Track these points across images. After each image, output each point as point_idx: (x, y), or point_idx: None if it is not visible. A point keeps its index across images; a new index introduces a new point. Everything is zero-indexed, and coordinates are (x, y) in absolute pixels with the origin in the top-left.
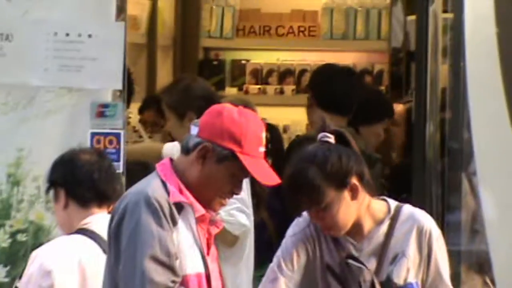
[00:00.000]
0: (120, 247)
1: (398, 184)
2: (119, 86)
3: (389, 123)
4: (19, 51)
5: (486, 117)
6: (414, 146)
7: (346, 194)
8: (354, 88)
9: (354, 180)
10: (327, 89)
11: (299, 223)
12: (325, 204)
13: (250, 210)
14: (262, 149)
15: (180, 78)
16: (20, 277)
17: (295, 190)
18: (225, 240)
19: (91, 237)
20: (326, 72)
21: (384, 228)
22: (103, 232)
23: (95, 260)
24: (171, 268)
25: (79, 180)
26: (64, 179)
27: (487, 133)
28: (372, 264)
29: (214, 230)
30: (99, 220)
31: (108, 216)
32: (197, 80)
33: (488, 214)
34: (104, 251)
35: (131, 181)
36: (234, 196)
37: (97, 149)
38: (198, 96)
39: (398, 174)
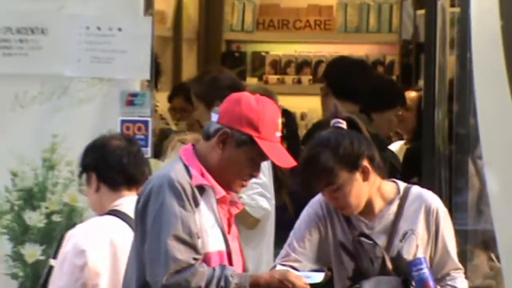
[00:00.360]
0: (145, 227)
1: (409, 167)
2: (147, 76)
3: (403, 109)
4: (54, 44)
5: (491, 104)
6: (424, 132)
7: (358, 176)
8: (365, 78)
9: (366, 163)
10: (342, 78)
11: (313, 204)
12: (338, 185)
13: (271, 195)
14: (279, 134)
15: (208, 70)
16: (54, 255)
17: (310, 172)
18: (246, 222)
19: (121, 218)
20: (341, 63)
21: (394, 207)
22: (132, 213)
23: (125, 239)
24: (193, 247)
25: (110, 165)
26: (96, 164)
27: (492, 119)
28: (383, 241)
29: (235, 211)
30: (129, 202)
31: None
32: (224, 71)
33: (493, 195)
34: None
35: None
36: (257, 181)
37: (127, 135)
38: (225, 86)
39: (409, 158)
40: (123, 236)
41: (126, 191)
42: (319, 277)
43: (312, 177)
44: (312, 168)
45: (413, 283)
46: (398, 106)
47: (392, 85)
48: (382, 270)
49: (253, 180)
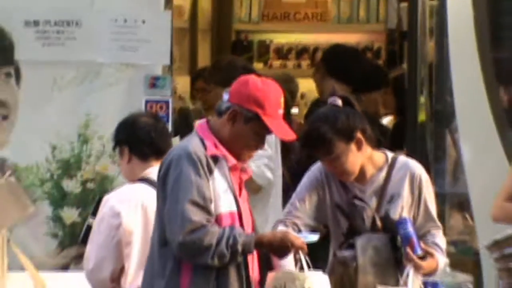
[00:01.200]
0: (166, 192)
1: (396, 138)
2: (167, 62)
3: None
4: (87, 35)
5: (465, 84)
6: (408, 110)
7: (353, 146)
8: (358, 63)
9: (359, 135)
10: (338, 63)
11: (313, 170)
12: (336, 154)
13: (275, 166)
14: (281, 111)
15: (221, 59)
16: (93, 214)
17: (311, 144)
18: (251, 188)
19: (151, 185)
20: (337, 50)
21: (383, 174)
22: None
23: (154, 203)
24: (206, 210)
25: (140, 139)
26: (127, 139)
27: (466, 97)
28: (373, 203)
29: (245, 177)
30: (157, 171)
31: None
32: (235, 57)
33: (467, 163)
34: None
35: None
36: (264, 153)
37: (153, 113)
38: (241, 66)
39: (395, 130)
40: (153, 200)
41: (154, 161)
42: (314, 237)
43: (313, 148)
44: (314, 140)
45: (399, 239)
46: (383, 87)
47: (379, 69)
48: (372, 228)
49: (262, 152)
